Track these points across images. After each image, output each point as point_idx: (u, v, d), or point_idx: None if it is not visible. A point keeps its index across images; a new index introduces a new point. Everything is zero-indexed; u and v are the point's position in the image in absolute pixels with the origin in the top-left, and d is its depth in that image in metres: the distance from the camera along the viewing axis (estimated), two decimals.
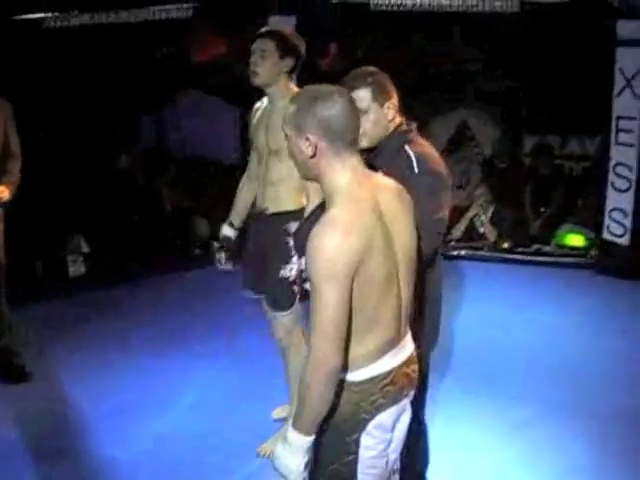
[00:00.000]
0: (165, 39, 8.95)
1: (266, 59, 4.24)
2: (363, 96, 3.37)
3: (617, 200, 7.59)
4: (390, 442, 2.79)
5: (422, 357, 3.06)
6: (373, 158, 3.47)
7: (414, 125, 3.56)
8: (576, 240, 8.25)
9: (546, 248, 8.23)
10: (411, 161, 3.33)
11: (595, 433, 4.77)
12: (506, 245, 8.28)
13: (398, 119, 3.47)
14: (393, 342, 2.69)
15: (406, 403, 2.81)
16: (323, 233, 2.48)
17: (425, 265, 3.29)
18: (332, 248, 2.45)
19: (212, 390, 5.24)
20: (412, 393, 2.84)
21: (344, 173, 2.58)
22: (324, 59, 8.22)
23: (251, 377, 5.36)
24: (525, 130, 9.49)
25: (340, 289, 2.46)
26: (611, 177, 7.58)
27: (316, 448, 2.71)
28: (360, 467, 2.68)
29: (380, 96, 3.42)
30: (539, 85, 8.67)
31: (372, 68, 3.51)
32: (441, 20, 7.97)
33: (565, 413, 4.98)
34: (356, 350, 2.61)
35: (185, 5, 7.83)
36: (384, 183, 2.73)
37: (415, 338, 2.89)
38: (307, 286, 4.30)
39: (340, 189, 2.59)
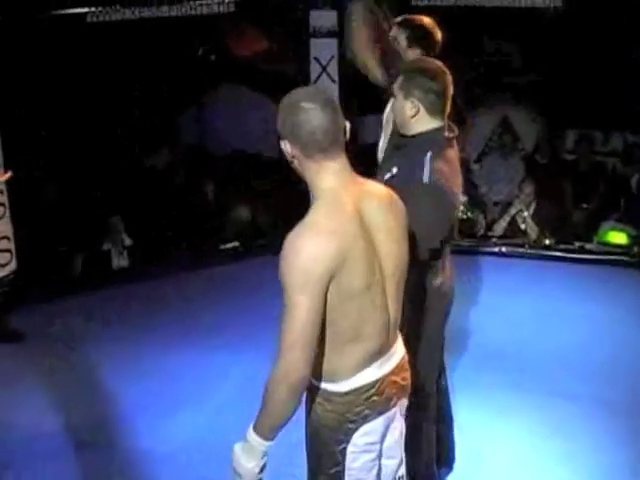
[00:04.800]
0: (207, 34, 8.98)
1: (390, 48, 4.19)
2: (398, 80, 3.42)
3: None
4: (380, 452, 2.75)
5: (417, 375, 3.00)
6: (396, 150, 3.46)
7: (452, 135, 3.51)
8: (619, 238, 8.14)
9: (588, 245, 8.12)
10: (425, 171, 3.28)
11: (636, 432, 4.71)
12: (548, 242, 8.19)
13: (431, 124, 3.41)
14: (379, 353, 2.63)
15: (395, 412, 2.75)
16: (299, 238, 2.42)
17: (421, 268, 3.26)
18: (307, 254, 2.38)
19: (249, 385, 5.23)
20: (403, 401, 2.80)
21: (325, 178, 2.53)
22: None
23: None
24: (567, 126, 9.38)
25: (313, 297, 2.39)
26: None
27: (308, 459, 2.72)
28: (348, 478, 2.65)
29: (405, 88, 3.40)
30: (582, 80, 8.56)
31: (435, 63, 3.49)
32: (479, 15, 7.91)
33: (606, 411, 4.94)
34: (338, 361, 2.57)
35: (227, 0, 7.83)
36: (372, 190, 2.66)
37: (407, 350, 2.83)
38: None
39: (321, 193, 2.55)
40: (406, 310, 3.00)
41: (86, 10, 7.43)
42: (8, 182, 5.99)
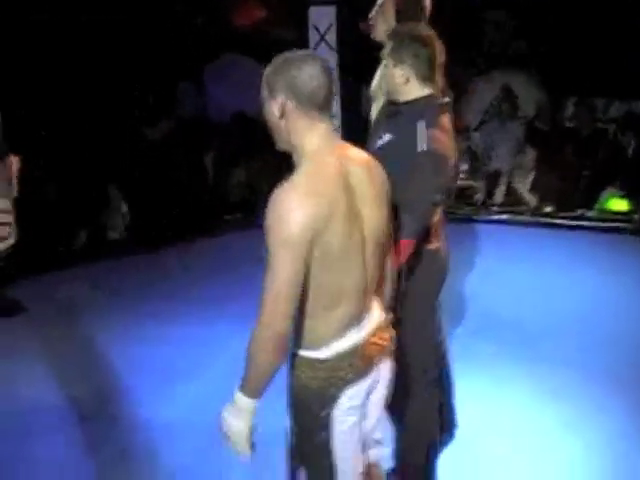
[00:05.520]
0: (205, 3, 8.93)
1: (382, 14, 4.07)
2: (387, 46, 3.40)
3: None
4: (365, 415, 2.81)
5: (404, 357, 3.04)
6: (387, 119, 3.44)
7: (446, 100, 3.49)
8: (620, 205, 8.13)
9: (589, 213, 8.11)
10: (419, 138, 3.27)
11: (638, 396, 4.73)
12: (548, 209, 8.19)
13: (422, 91, 3.39)
14: (357, 317, 2.67)
15: (378, 373, 2.78)
16: (283, 196, 2.46)
17: (416, 239, 3.27)
18: (290, 212, 2.42)
19: None
20: (386, 362, 2.82)
21: (312, 138, 2.57)
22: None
23: None
24: (568, 93, 9.34)
25: (295, 254, 2.44)
26: None
27: (291, 430, 2.75)
28: (335, 442, 2.69)
29: (396, 55, 3.37)
30: (583, 47, 8.51)
31: (424, 29, 3.45)
32: None
33: (607, 377, 4.94)
34: (320, 327, 2.62)
35: None
36: (355, 155, 2.70)
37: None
38: None
39: (307, 154, 2.57)
40: (401, 272, 3.03)
41: None
42: None
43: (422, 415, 3.71)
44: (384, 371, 2.83)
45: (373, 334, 2.72)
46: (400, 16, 3.95)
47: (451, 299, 4.27)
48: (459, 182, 8.34)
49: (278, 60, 2.60)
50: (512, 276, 6.57)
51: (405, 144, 3.30)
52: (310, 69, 2.53)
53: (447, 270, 3.75)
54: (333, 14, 7.66)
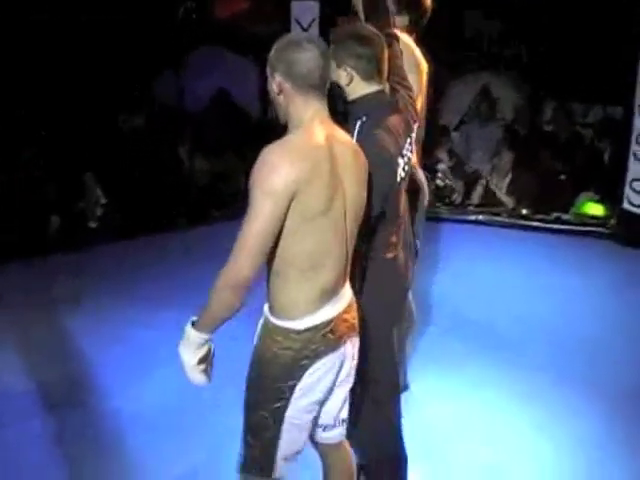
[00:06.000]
0: None
1: (357, 12, 4.05)
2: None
3: (638, 171, 7.49)
4: (331, 391, 2.89)
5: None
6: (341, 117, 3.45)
7: (394, 98, 3.45)
8: (595, 209, 8.17)
9: (565, 216, 8.14)
10: (354, 137, 3.24)
11: (609, 398, 4.76)
12: (525, 212, 8.21)
13: (368, 89, 3.33)
14: (333, 291, 2.77)
15: (345, 350, 2.87)
16: (271, 150, 2.61)
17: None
18: (276, 164, 2.55)
19: (231, 345, 5.23)
20: (354, 339, 2.92)
21: (307, 112, 2.73)
22: None
23: None
24: (547, 97, 9.38)
25: (274, 205, 2.54)
26: (634, 147, 7.48)
27: (247, 393, 2.84)
28: (287, 414, 2.77)
29: (337, 56, 3.36)
30: (562, 51, 8.55)
31: (365, 28, 3.43)
32: None
33: (578, 379, 4.97)
34: (297, 295, 2.71)
35: None
36: (343, 137, 2.85)
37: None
38: None
39: (300, 123, 2.73)
40: (356, 280, 3.12)
41: None
42: None
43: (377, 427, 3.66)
44: (351, 348, 2.91)
45: (345, 311, 2.83)
46: (365, 15, 3.96)
47: (423, 298, 4.24)
48: (438, 181, 8.38)
49: (282, 41, 2.77)
50: (485, 276, 6.60)
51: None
52: (308, 54, 2.69)
53: (406, 280, 3.71)
54: (316, 8, 7.65)
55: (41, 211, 7.42)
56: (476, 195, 8.46)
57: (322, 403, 2.91)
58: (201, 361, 2.76)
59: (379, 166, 3.15)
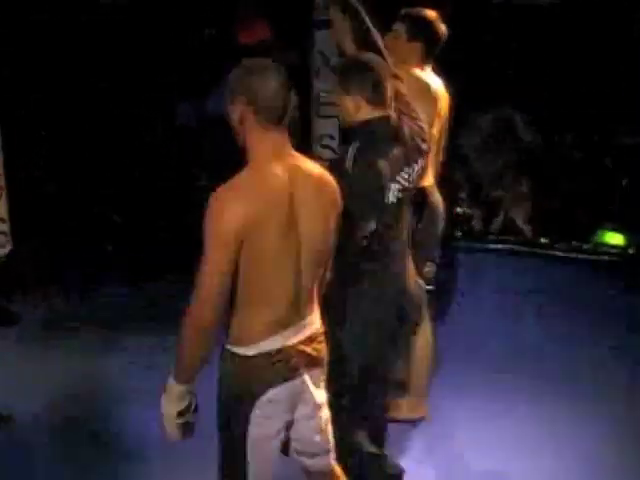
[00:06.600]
0: (211, 20, 8.94)
1: (395, 40, 4.25)
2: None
3: None
4: (290, 423, 2.86)
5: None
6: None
7: (398, 125, 3.48)
8: (615, 239, 8.14)
9: (585, 245, 8.11)
10: (348, 160, 3.33)
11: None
12: (544, 240, 8.19)
13: (372, 114, 3.43)
14: (287, 322, 2.75)
15: (304, 382, 2.82)
16: (220, 195, 2.61)
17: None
18: (224, 211, 2.56)
19: None
20: (315, 372, 2.87)
21: (263, 145, 2.69)
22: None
23: None
24: (566, 126, 9.34)
25: (225, 252, 2.56)
26: None
27: (217, 416, 2.84)
28: (249, 442, 2.75)
29: (344, 83, 3.42)
30: (582, 79, 8.54)
31: (369, 56, 3.49)
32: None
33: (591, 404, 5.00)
34: (247, 324, 2.71)
35: None
36: (307, 168, 2.80)
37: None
38: None
39: (255, 159, 2.70)
40: (338, 291, 3.20)
41: None
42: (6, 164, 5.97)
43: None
44: (312, 383, 2.86)
45: (303, 342, 2.79)
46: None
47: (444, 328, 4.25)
48: (457, 209, 8.38)
49: (242, 68, 2.74)
50: (498, 303, 6.63)
51: (338, 166, 3.36)
52: (273, 82, 2.66)
53: (409, 297, 3.73)
54: None
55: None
56: (496, 223, 8.45)
57: (289, 432, 2.89)
58: (180, 414, 2.74)
59: (369, 188, 3.28)
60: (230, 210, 2.55)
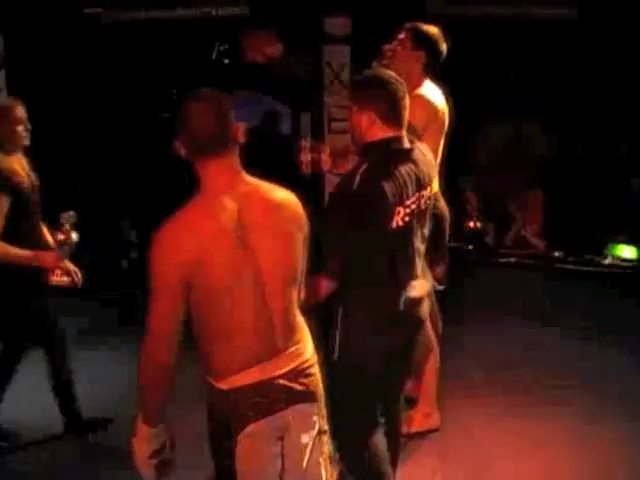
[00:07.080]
0: (221, 37, 8.98)
1: (400, 48, 4.31)
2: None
3: None
4: (282, 458, 2.69)
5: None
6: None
7: (410, 146, 3.40)
8: (629, 252, 8.10)
9: (598, 258, 8.08)
10: (356, 180, 3.23)
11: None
12: (557, 254, 8.16)
13: (385, 133, 3.34)
14: (261, 355, 2.62)
15: (287, 416, 2.66)
16: (159, 235, 2.53)
17: (331, 276, 3.25)
18: (163, 252, 2.51)
19: None
20: (300, 407, 2.69)
21: (212, 177, 2.60)
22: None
23: None
24: (579, 138, 9.33)
25: (169, 291, 2.51)
26: None
27: (209, 441, 2.79)
28: (238, 475, 2.65)
29: (359, 100, 3.38)
30: (595, 91, 8.53)
31: (387, 73, 3.45)
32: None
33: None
34: (216, 358, 2.63)
35: (241, 4, 7.86)
36: (263, 193, 2.68)
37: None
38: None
39: (203, 190, 2.61)
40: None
41: (101, 10, 7.44)
42: None
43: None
44: (298, 421, 2.71)
45: (284, 376, 2.66)
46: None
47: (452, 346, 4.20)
48: (470, 224, 8.37)
49: (182, 107, 2.64)
50: (510, 316, 6.57)
51: (345, 184, 3.31)
52: (200, 118, 2.58)
53: (411, 324, 3.59)
54: (348, 53, 7.72)
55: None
56: (509, 237, 8.44)
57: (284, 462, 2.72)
58: (152, 455, 2.67)
59: (373, 210, 3.19)
60: (170, 253, 2.49)
